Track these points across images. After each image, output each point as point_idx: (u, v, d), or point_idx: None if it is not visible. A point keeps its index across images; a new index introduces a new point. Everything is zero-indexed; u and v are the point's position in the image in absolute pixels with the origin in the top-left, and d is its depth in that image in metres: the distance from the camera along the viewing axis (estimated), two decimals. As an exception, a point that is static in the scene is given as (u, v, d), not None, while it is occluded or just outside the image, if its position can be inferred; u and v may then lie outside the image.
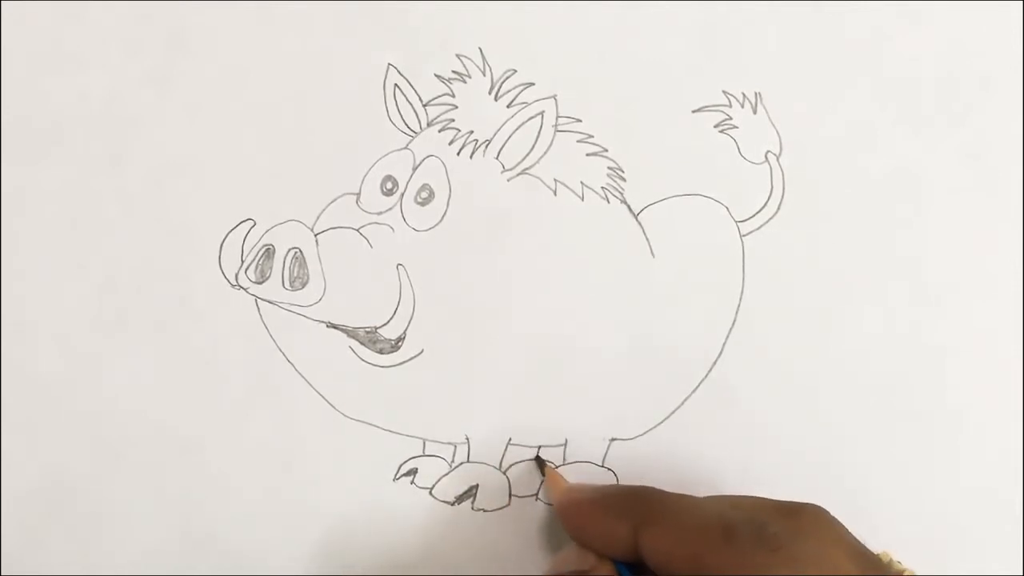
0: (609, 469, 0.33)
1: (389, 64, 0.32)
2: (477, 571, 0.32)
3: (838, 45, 0.33)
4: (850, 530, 0.27)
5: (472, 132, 0.32)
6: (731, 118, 0.33)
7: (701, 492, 0.32)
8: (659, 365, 0.32)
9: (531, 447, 0.32)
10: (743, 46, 0.33)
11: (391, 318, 0.32)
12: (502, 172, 0.32)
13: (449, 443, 0.32)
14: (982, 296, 0.34)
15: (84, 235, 0.31)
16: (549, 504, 0.32)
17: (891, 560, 0.28)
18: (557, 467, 0.32)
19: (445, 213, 0.32)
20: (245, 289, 0.31)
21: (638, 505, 0.28)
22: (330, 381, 0.32)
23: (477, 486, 0.32)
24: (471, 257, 0.32)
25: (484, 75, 0.32)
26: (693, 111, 0.33)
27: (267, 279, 0.31)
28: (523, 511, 0.32)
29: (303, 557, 0.32)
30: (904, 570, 0.27)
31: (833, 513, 0.27)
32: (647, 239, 0.33)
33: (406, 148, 0.32)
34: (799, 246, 0.33)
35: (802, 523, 0.26)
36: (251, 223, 0.31)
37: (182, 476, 0.31)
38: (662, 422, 0.33)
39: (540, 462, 0.32)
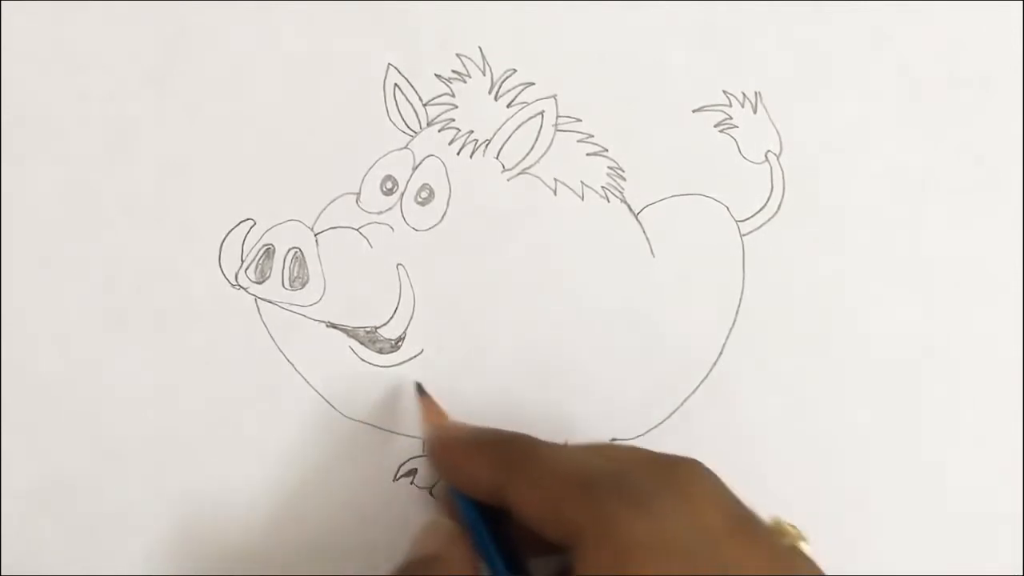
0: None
1: (389, 64, 0.32)
2: (477, 571, 0.32)
3: (838, 45, 0.33)
4: (730, 487, 0.26)
5: (472, 132, 0.32)
6: (731, 118, 0.33)
7: (701, 492, 0.32)
8: (659, 365, 0.32)
9: (531, 447, 0.32)
10: (743, 46, 0.33)
11: (391, 318, 0.32)
12: (502, 172, 0.32)
13: (449, 443, 0.32)
14: (982, 296, 0.34)
15: (84, 235, 0.31)
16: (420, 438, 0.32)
17: (779, 520, 0.27)
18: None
19: (445, 213, 0.32)
20: (245, 289, 0.31)
21: (509, 452, 0.27)
22: (330, 381, 0.32)
23: (477, 486, 0.32)
24: (471, 257, 0.32)
25: (484, 75, 0.32)
26: (693, 111, 0.33)
27: (267, 279, 0.31)
28: (523, 511, 0.32)
29: (303, 557, 0.32)
30: (791, 528, 0.26)
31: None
32: (647, 239, 0.33)
33: (406, 148, 0.32)
34: (799, 246, 0.33)
35: (673, 478, 0.26)
36: (251, 223, 0.31)
37: (182, 476, 0.31)
38: (662, 422, 0.33)
39: (419, 389, 0.32)
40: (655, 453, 0.27)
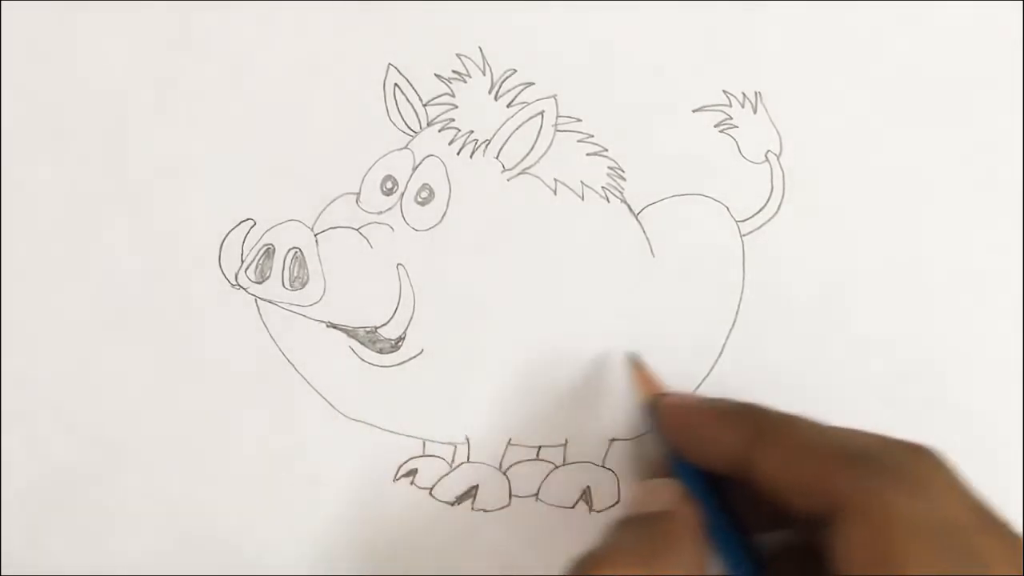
0: (609, 469, 0.33)
1: (389, 64, 0.32)
2: (477, 571, 0.32)
3: (838, 45, 0.33)
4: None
5: (472, 132, 0.32)
6: (731, 118, 0.33)
7: (701, 492, 0.32)
8: (659, 365, 0.32)
9: (531, 447, 0.32)
10: (743, 46, 0.33)
11: (391, 318, 0.32)
12: (502, 172, 0.32)
13: (449, 443, 0.32)
14: (982, 296, 0.34)
15: (84, 235, 0.31)
16: (645, 408, 0.31)
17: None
18: (557, 467, 0.32)
19: (445, 213, 0.32)
20: (245, 289, 0.31)
21: (755, 418, 0.27)
22: (330, 381, 0.32)
23: (477, 486, 0.32)
24: (471, 257, 0.32)
25: (484, 75, 0.32)
26: (693, 111, 0.33)
27: (267, 279, 0.31)
28: (523, 511, 0.32)
29: (303, 557, 0.32)
30: None
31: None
32: (647, 239, 0.33)
33: (406, 148, 0.32)
34: (799, 246, 0.33)
35: (927, 463, 0.25)
36: (251, 223, 0.31)
37: (182, 476, 0.31)
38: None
39: (633, 358, 0.31)
40: (902, 439, 0.26)
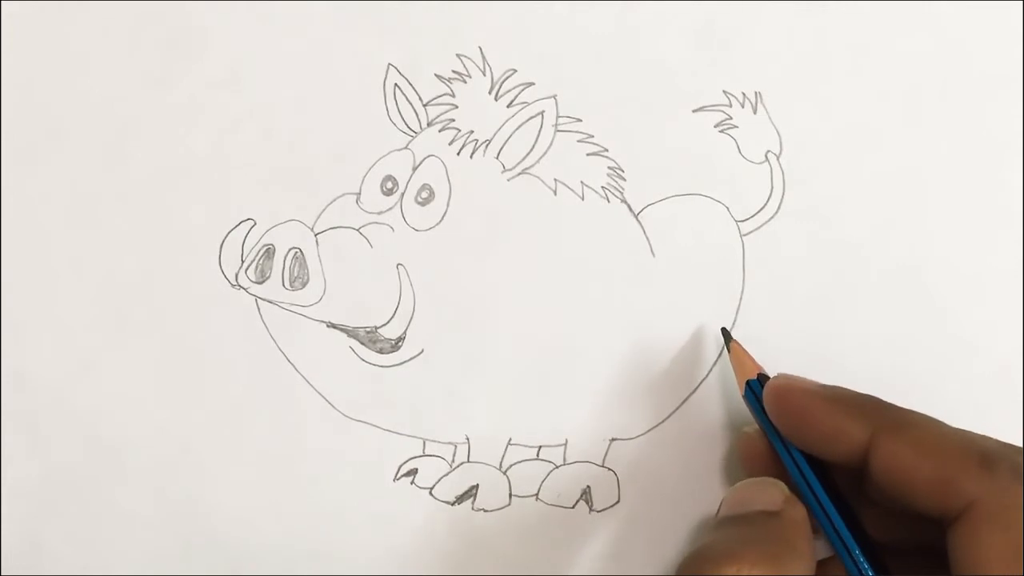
0: (609, 469, 0.33)
1: (389, 64, 0.32)
2: (477, 571, 0.32)
3: (838, 45, 0.33)
4: None
5: (472, 132, 0.32)
6: (731, 118, 0.33)
7: (702, 492, 0.32)
8: (659, 365, 0.32)
9: (531, 447, 0.32)
10: (743, 46, 0.33)
11: (391, 318, 0.32)
12: (502, 172, 0.32)
13: (449, 443, 0.32)
14: (982, 296, 0.34)
15: (84, 235, 0.31)
16: (745, 387, 0.30)
17: None
18: (557, 467, 0.32)
19: (445, 213, 0.32)
20: (245, 289, 0.31)
21: (877, 409, 0.27)
22: (330, 381, 0.32)
23: (477, 486, 0.32)
24: (471, 257, 0.32)
25: (484, 75, 0.32)
26: (693, 111, 0.33)
27: (267, 279, 0.31)
28: (523, 511, 0.32)
29: (303, 557, 0.32)
30: None
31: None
32: (647, 239, 0.33)
33: (406, 148, 0.32)
34: (799, 246, 0.33)
35: None
36: (251, 223, 0.31)
37: (182, 476, 0.31)
38: (662, 422, 0.33)
39: (726, 334, 0.31)
40: (1013, 444, 0.26)
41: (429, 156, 0.32)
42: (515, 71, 0.32)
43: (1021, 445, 0.34)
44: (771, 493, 0.27)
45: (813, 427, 0.27)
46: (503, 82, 0.32)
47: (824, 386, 0.28)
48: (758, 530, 0.26)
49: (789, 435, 0.28)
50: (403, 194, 0.32)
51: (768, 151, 0.33)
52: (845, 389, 0.28)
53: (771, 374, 0.30)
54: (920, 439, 0.26)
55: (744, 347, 0.31)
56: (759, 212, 0.33)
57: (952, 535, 0.24)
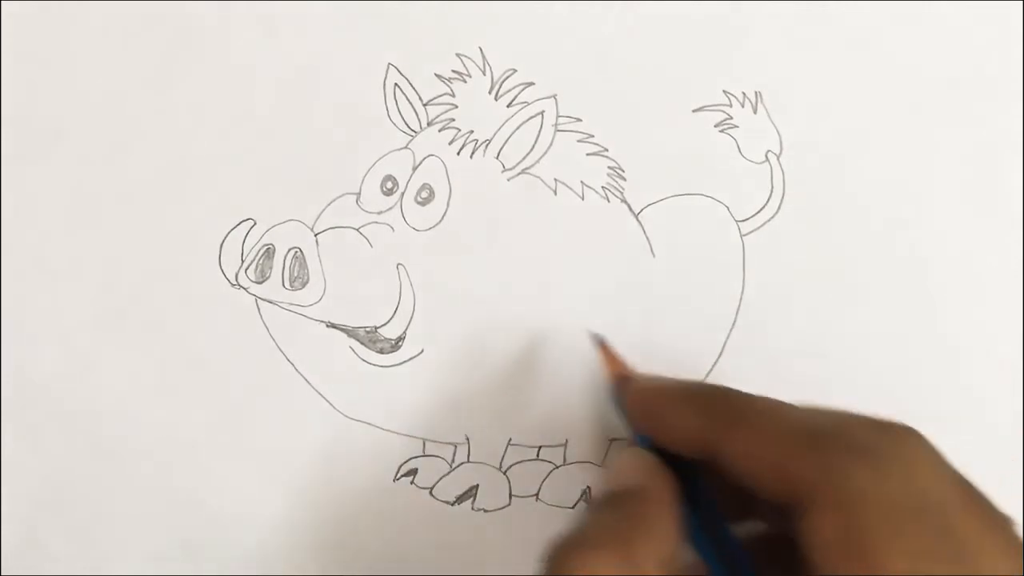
0: (609, 469, 0.33)
1: (389, 64, 0.32)
2: (477, 571, 0.32)
3: (838, 45, 0.33)
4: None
5: (472, 132, 0.32)
6: (731, 118, 0.33)
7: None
8: (659, 365, 0.32)
9: (531, 447, 0.32)
10: (743, 46, 0.33)
11: (391, 318, 0.32)
12: (502, 172, 0.32)
13: (449, 443, 0.32)
14: (982, 296, 0.34)
15: (84, 235, 0.31)
16: (611, 388, 0.30)
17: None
18: (557, 467, 0.32)
19: (445, 213, 0.32)
20: (245, 289, 0.31)
21: (721, 403, 0.26)
22: (330, 381, 0.32)
23: (477, 486, 0.32)
24: (471, 257, 0.32)
25: (484, 75, 0.32)
26: (693, 111, 0.33)
27: (267, 279, 0.31)
28: (523, 511, 0.32)
29: (303, 557, 0.32)
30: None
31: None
32: (647, 239, 0.33)
33: (406, 148, 0.32)
34: (799, 246, 0.33)
35: (896, 438, 0.24)
36: (251, 223, 0.31)
37: (182, 476, 0.31)
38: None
39: (598, 339, 0.31)
40: (870, 416, 0.25)
41: (429, 156, 0.32)
42: (515, 71, 0.32)
43: (1021, 444, 0.34)
44: (635, 467, 0.27)
45: (661, 423, 0.27)
46: (503, 82, 0.32)
47: (672, 380, 0.28)
48: (613, 511, 0.25)
49: (647, 431, 0.27)
50: (403, 194, 0.32)
51: (768, 151, 0.33)
52: (692, 381, 0.28)
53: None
54: (758, 429, 0.24)
55: (613, 349, 0.30)
56: (759, 212, 0.33)
57: (797, 526, 0.23)
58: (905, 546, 0.22)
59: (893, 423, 0.24)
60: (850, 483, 0.22)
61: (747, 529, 0.28)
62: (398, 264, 0.32)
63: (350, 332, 0.32)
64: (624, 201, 0.33)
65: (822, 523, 0.22)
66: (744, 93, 0.33)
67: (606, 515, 0.25)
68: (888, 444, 0.23)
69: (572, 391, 0.32)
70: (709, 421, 0.25)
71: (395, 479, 0.32)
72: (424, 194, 0.32)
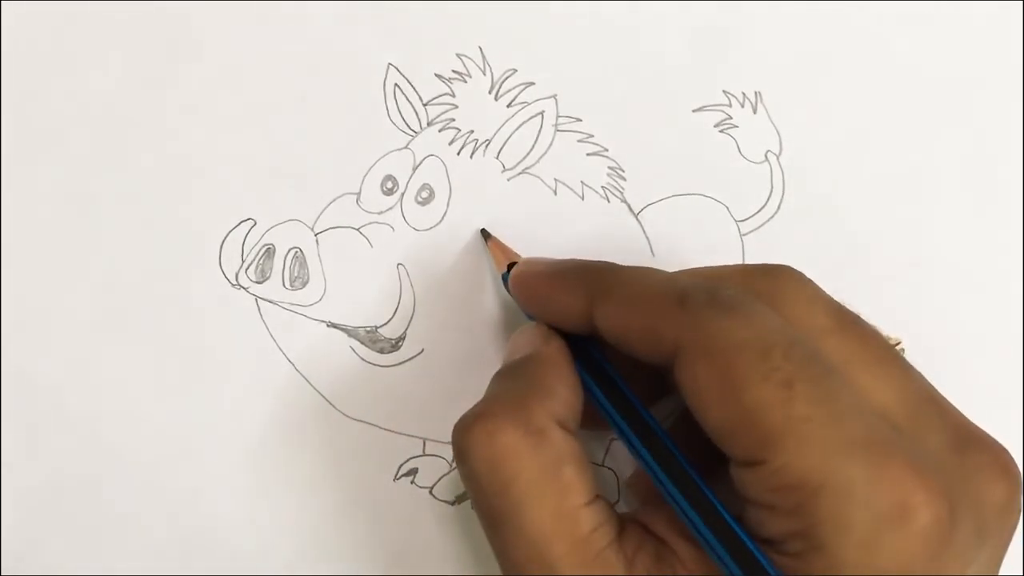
0: (609, 469, 0.33)
1: (389, 64, 0.32)
2: (477, 571, 0.32)
3: (838, 45, 0.33)
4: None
5: (472, 132, 0.32)
6: (731, 118, 0.33)
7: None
8: (659, 365, 0.32)
9: (531, 447, 0.32)
10: (743, 46, 0.33)
11: (391, 318, 0.32)
12: (502, 172, 0.32)
13: (449, 443, 0.32)
14: (982, 297, 0.34)
15: (84, 235, 0.31)
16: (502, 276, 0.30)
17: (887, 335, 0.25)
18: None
19: (445, 213, 0.32)
20: (245, 289, 0.31)
21: (593, 278, 0.26)
22: (330, 381, 0.32)
23: (477, 486, 0.32)
24: (471, 257, 0.32)
25: (484, 75, 0.32)
26: (693, 111, 0.33)
27: (267, 279, 0.31)
28: (523, 511, 0.32)
29: (303, 557, 0.32)
30: (890, 337, 0.25)
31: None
32: (647, 239, 0.33)
33: (406, 148, 0.32)
34: (799, 246, 0.33)
35: (769, 281, 0.25)
36: (251, 223, 0.31)
37: (182, 476, 0.31)
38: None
39: (485, 234, 0.31)
40: (747, 264, 0.26)
41: (429, 156, 0.32)
42: (515, 71, 0.32)
43: (1020, 444, 0.34)
44: (527, 338, 0.28)
45: (544, 304, 0.27)
46: (503, 82, 0.32)
47: (552, 262, 0.28)
48: (509, 380, 0.26)
49: (535, 314, 0.28)
50: (403, 194, 0.32)
51: (768, 151, 0.33)
52: (568, 261, 0.28)
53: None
54: (628, 295, 0.25)
55: (502, 242, 0.31)
56: (759, 212, 0.33)
57: (673, 380, 0.24)
58: (774, 376, 0.22)
59: (768, 268, 0.26)
60: (716, 331, 0.23)
61: (668, 408, 0.28)
62: (398, 264, 0.32)
63: (350, 332, 0.32)
64: (624, 201, 0.33)
65: (694, 372, 0.23)
66: (744, 93, 0.33)
67: (503, 384, 0.26)
68: (759, 290, 0.24)
69: (572, 391, 0.32)
70: (583, 294, 0.26)
71: (395, 479, 0.32)
72: (424, 194, 0.32)
